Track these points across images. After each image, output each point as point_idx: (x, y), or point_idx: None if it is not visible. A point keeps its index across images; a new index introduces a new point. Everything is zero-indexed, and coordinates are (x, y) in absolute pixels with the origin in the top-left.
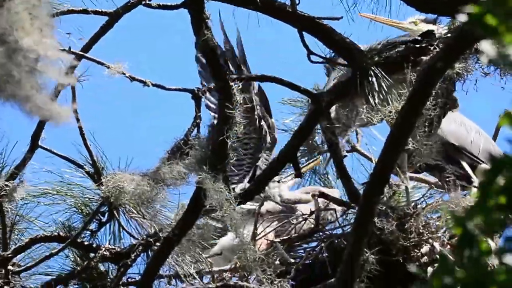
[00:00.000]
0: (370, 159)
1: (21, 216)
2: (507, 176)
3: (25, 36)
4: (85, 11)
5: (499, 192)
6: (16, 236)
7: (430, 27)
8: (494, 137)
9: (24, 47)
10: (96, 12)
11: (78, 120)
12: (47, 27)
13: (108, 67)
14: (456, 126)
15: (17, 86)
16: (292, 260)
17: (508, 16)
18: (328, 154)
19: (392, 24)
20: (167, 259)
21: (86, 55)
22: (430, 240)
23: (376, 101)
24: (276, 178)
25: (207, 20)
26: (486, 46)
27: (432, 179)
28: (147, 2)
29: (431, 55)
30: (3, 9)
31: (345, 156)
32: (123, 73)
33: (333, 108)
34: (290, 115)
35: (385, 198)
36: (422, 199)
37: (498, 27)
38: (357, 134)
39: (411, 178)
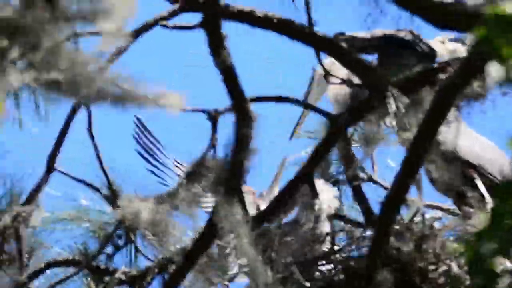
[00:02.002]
0: (386, 189)
1: (38, 243)
2: None
3: None
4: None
5: None
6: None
7: (457, 46)
8: None
9: None
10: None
11: (94, 143)
12: None
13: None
14: (471, 143)
15: None
16: (308, 284)
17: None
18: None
19: None
20: (182, 282)
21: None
22: (447, 261)
23: (394, 122)
24: None
25: (224, 40)
26: (494, 68)
27: (447, 205)
28: (164, 23)
29: (449, 73)
30: None
31: (362, 179)
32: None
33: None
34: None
35: (401, 219)
36: (439, 221)
37: (503, 48)
38: (373, 164)
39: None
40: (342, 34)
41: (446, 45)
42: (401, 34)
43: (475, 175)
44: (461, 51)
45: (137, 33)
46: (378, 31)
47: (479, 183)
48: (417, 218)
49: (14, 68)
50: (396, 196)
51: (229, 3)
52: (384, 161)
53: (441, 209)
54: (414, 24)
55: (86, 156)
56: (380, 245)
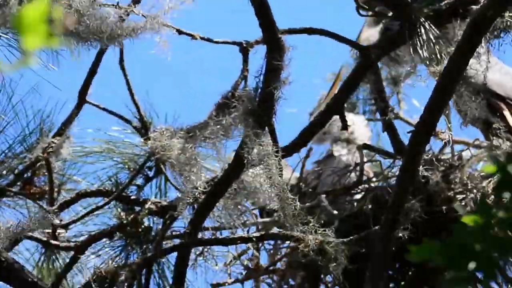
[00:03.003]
0: (412, 126)
1: (68, 176)
2: None
3: None
4: None
5: None
6: (63, 196)
7: None
8: None
9: None
10: None
11: (125, 75)
12: None
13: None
14: (501, 75)
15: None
16: (336, 212)
17: None
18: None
19: None
20: (212, 211)
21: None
22: (475, 190)
23: (425, 54)
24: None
25: None
26: None
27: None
28: None
29: (481, 3)
30: None
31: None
32: (171, 26)
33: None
34: None
35: (430, 149)
36: (467, 150)
37: None
38: (399, 102)
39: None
40: None
41: None
42: None
43: (504, 106)
44: None
45: None
46: None
47: (507, 114)
48: (446, 150)
49: None
50: (426, 126)
51: None
52: (410, 100)
53: (468, 144)
54: None
55: (117, 89)
56: (410, 174)
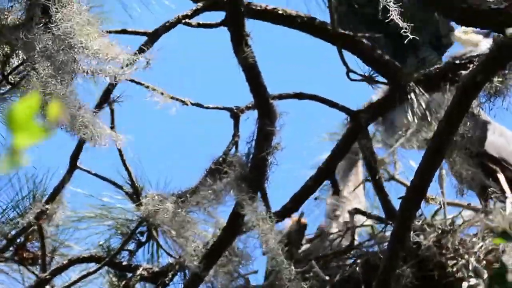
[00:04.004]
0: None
1: (60, 242)
2: None
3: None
4: (124, 31)
5: None
6: (56, 262)
7: (480, 38)
8: None
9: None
10: (134, 33)
11: (117, 139)
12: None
13: (147, 87)
14: (496, 137)
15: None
16: (327, 278)
17: None
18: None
19: None
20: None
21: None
22: (466, 256)
23: (416, 120)
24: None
25: (247, 38)
26: None
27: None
28: (187, 21)
29: (471, 69)
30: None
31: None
32: (162, 93)
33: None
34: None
35: (421, 215)
36: (459, 216)
37: None
38: (395, 163)
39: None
40: None
41: (469, 36)
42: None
43: (498, 169)
44: (484, 43)
45: (159, 32)
46: None
47: (501, 177)
48: (439, 215)
49: None
50: (416, 191)
51: (251, 1)
52: (406, 162)
53: (462, 206)
54: None
55: (109, 154)
56: (400, 240)
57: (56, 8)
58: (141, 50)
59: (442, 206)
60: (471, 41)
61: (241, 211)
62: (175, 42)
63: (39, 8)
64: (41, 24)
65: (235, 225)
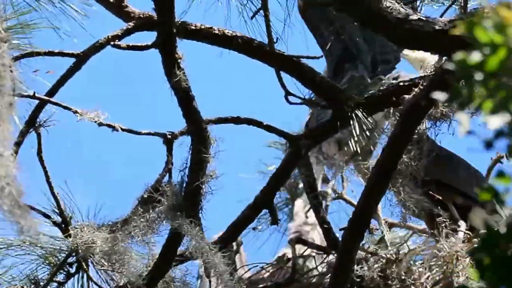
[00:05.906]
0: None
1: None
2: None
3: None
4: (50, 53)
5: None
6: None
7: (427, 55)
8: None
9: None
10: (61, 54)
11: (44, 167)
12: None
13: (75, 112)
14: (443, 163)
15: None
16: None
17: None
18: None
19: None
20: None
21: (52, 99)
22: (413, 287)
23: (357, 145)
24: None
25: (179, 60)
26: (462, 117)
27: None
28: (116, 42)
29: (414, 93)
30: None
31: (327, 204)
32: (92, 119)
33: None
34: (276, 160)
35: (366, 244)
36: (404, 244)
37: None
38: (343, 181)
39: (397, 225)
40: None
41: (416, 54)
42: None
43: (444, 197)
44: (430, 60)
45: (88, 53)
46: None
47: (450, 205)
48: (382, 244)
49: None
50: (360, 219)
51: (186, 20)
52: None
53: (413, 228)
54: None
55: (35, 179)
56: (343, 271)
57: None
58: (69, 72)
59: (385, 235)
60: (418, 59)
61: (181, 237)
62: (107, 64)
63: None
64: None
65: (171, 252)
